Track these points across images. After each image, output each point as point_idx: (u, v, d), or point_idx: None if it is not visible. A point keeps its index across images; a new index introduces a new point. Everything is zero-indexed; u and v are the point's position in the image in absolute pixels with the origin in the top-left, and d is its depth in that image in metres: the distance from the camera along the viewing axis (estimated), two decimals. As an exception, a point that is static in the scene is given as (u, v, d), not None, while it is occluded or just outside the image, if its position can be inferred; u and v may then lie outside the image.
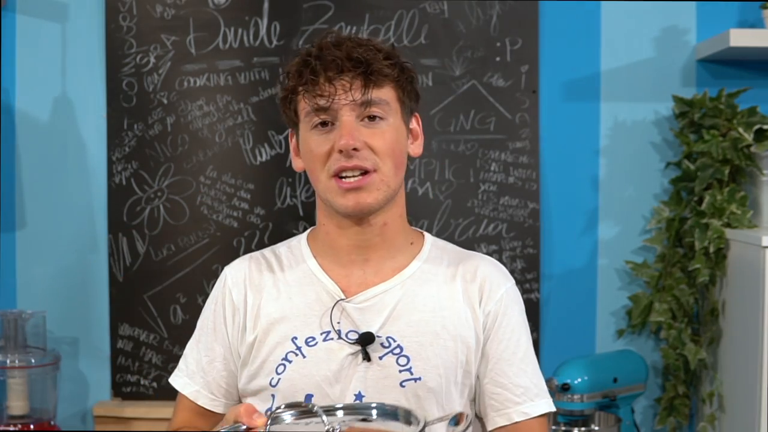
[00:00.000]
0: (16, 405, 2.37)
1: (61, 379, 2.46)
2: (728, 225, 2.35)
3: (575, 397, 2.28)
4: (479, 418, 1.48)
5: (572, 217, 2.56)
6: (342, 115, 1.36)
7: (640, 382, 2.42)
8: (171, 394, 2.60)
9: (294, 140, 1.47)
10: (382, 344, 1.38)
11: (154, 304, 2.55)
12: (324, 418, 1.09)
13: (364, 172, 1.36)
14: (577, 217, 2.56)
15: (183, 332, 2.53)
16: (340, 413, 1.16)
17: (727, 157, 2.34)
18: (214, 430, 1.18)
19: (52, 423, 2.41)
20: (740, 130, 2.34)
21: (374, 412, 1.16)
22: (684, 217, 2.46)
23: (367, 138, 1.36)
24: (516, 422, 1.41)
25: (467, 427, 1.12)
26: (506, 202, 2.53)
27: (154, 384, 2.55)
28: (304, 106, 1.38)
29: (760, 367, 2.11)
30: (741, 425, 2.23)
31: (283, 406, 1.15)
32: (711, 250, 2.33)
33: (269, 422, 1.12)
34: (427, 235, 1.52)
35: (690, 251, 2.43)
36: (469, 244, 2.50)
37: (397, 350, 1.39)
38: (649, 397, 2.54)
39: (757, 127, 2.33)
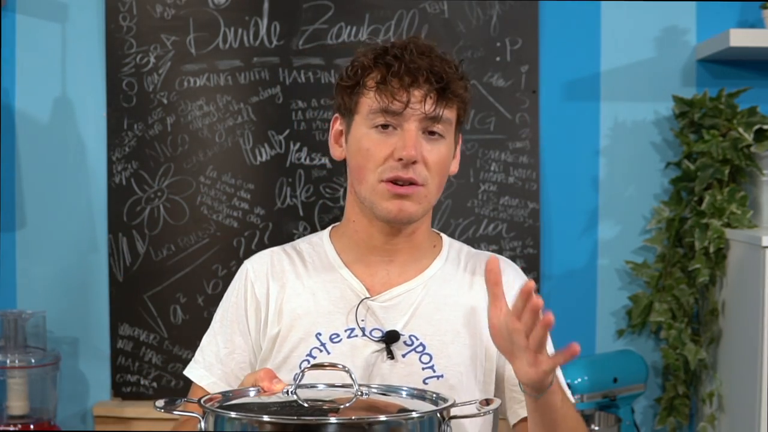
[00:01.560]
0: (16, 405, 2.37)
1: (61, 379, 2.46)
2: (728, 225, 2.35)
3: (575, 397, 2.28)
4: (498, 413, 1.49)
5: (572, 217, 2.56)
6: (409, 124, 1.35)
7: (640, 382, 2.43)
8: (171, 393, 2.61)
9: (337, 126, 1.46)
10: (405, 342, 1.40)
11: (154, 304, 2.55)
12: (354, 377, 1.10)
13: (413, 182, 1.37)
14: (577, 217, 2.56)
15: (183, 332, 2.54)
16: (373, 385, 1.20)
17: (727, 157, 2.34)
18: (234, 389, 1.19)
19: (52, 423, 2.41)
20: (740, 130, 2.34)
21: (404, 392, 1.18)
22: (684, 217, 2.46)
23: (425, 152, 1.36)
24: None
25: (497, 407, 1.14)
26: (506, 202, 2.53)
27: (154, 384, 2.55)
28: (370, 103, 1.37)
29: (760, 367, 2.11)
30: (741, 425, 2.23)
31: (309, 366, 1.15)
32: (711, 250, 2.33)
33: (299, 378, 1.12)
34: (443, 235, 1.54)
35: (690, 251, 2.43)
36: (469, 244, 2.48)
37: (420, 348, 1.40)
38: (649, 397, 2.54)
39: (757, 127, 2.33)
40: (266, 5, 2.52)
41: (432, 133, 1.37)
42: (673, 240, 2.47)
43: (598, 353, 2.54)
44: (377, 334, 1.40)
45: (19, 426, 2.36)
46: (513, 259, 2.52)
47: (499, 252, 2.51)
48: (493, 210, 2.53)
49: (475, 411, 1.12)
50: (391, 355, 1.38)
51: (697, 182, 2.39)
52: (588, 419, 2.33)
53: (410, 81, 1.34)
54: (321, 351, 1.39)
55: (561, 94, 2.54)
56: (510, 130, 2.52)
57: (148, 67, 2.53)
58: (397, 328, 1.40)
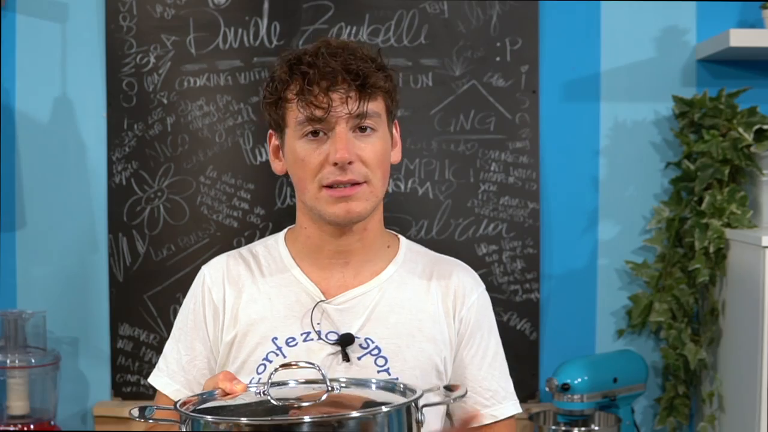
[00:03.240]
0: (16, 405, 2.37)
1: (61, 379, 2.46)
2: (728, 225, 2.35)
3: (575, 397, 2.28)
4: (449, 417, 1.50)
5: (572, 217, 2.56)
6: (337, 126, 1.36)
7: (640, 382, 2.43)
8: (171, 394, 2.60)
9: (274, 141, 1.47)
10: (360, 345, 1.41)
11: (154, 304, 2.55)
12: (325, 375, 1.12)
13: (354, 183, 1.37)
14: (577, 217, 2.56)
15: (183, 332, 2.54)
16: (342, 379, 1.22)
17: (727, 157, 2.34)
18: (195, 394, 1.20)
19: (52, 423, 2.41)
20: (740, 130, 2.34)
21: (373, 385, 1.21)
22: (684, 217, 2.46)
23: (359, 150, 1.37)
24: (484, 425, 1.46)
25: (464, 394, 1.15)
26: (506, 202, 2.53)
27: (154, 384, 2.55)
28: (296, 114, 1.38)
29: (760, 367, 2.11)
30: (741, 425, 2.23)
31: (279, 366, 1.16)
32: (711, 250, 2.33)
33: (269, 379, 1.13)
34: (401, 238, 1.54)
35: (690, 251, 2.43)
36: (469, 244, 2.50)
37: (375, 351, 1.41)
38: (649, 397, 2.54)
39: (757, 127, 2.33)
40: (266, 5, 2.52)
41: (363, 129, 1.37)
42: (673, 240, 2.47)
43: (598, 353, 2.54)
44: (333, 336, 1.41)
45: (19, 426, 2.36)
46: (513, 259, 2.52)
47: (499, 252, 2.52)
48: (493, 210, 2.53)
49: (442, 398, 1.15)
50: (346, 358, 1.39)
51: (697, 182, 2.39)
52: (588, 419, 2.33)
53: (327, 85, 1.35)
54: (277, 355, 1.40)
55: (561, 94, 2.54)
56: (510, 130, 2.52)
57: (148, 67, 2.53)
58: (353, 331, 1.41)
